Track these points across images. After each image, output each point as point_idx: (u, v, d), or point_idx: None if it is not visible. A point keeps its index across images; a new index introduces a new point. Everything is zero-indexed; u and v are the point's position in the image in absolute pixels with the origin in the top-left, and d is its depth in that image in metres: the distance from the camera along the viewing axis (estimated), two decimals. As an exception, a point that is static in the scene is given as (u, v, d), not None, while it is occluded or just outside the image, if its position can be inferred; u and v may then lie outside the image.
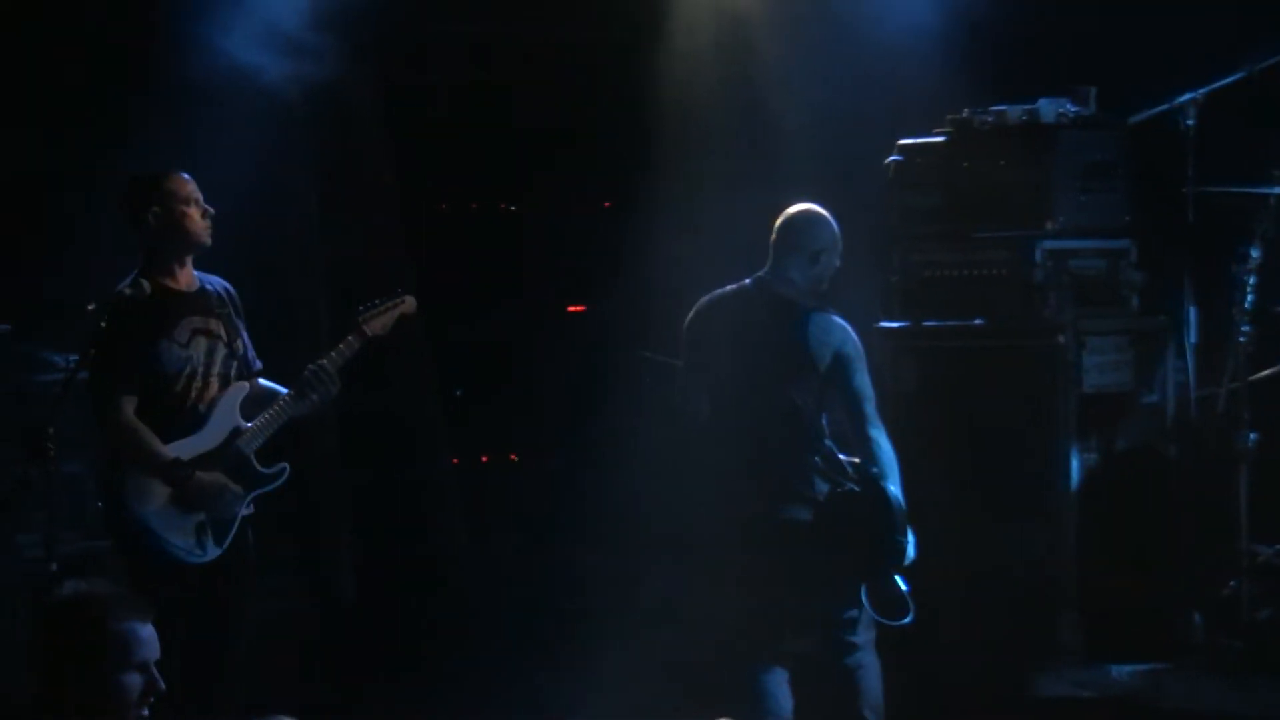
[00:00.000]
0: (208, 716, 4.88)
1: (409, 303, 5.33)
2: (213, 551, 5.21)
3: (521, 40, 8.65)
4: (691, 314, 5.77)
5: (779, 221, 5.64)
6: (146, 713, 3.46)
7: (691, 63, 7.96)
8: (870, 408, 5.48)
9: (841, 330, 5.50)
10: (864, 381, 5.55)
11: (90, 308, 5.35)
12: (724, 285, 5.76)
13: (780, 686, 5.60)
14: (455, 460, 8.51)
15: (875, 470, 5.38)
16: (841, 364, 5.49)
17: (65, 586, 3.53)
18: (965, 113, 6.80)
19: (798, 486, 5.39)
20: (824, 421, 5.42)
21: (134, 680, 3.39)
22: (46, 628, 3.43)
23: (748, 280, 5.66)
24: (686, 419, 5.78)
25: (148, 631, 3.42)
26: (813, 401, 5.48)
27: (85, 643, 3.36)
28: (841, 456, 5.47)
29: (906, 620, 5.49)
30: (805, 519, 5.42)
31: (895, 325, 6.88)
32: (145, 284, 5.03)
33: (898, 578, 5.48)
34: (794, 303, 5.47)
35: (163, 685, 3.38)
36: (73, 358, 6.16)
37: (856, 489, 5.41)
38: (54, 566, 5.39)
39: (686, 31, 8.03)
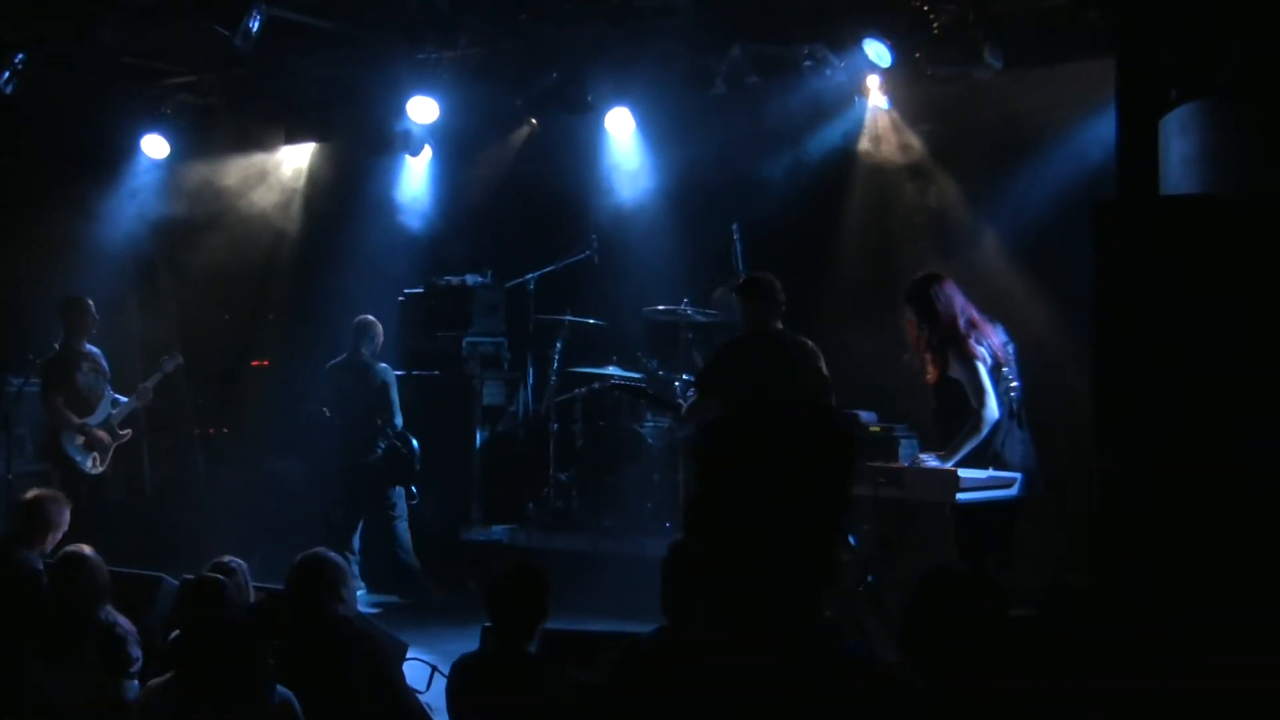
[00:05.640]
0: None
1: (179, 359, 10.37)
2: (98, 469, 9.82)
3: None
4: (328, 367, 10.33)
5: (355, 324, 10.34)
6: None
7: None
8: (395, 408, 10.27)
9: (388, 373, 10.28)
10: (394, 396, 10.29)
11: (31, 357, 9.93)
12: (338, 356, 10.30)
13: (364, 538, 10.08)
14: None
15: (401, 434, 10.30)
16: (385, 388, 10.31)
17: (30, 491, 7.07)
18: (432, 279, 11.20)
19: (371, 441, 10.22)
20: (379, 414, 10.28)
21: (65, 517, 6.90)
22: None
23: (345, 354, 10.37)
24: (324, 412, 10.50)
25: (65, 512, 6.80)
26: (376, 403, 10.32)
27: (42, 511, 6.74)
28: (389, 429, 10.27)
29: (415, 503, 10.32)
30: (377, 457, 10.30)
31: (400, 373, 10.53)
32: (60, 346, 9.72)
33: (414, 486, 10.36)
34: (368, 361, 10.27)
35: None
36: (29, 379, 10.18)
37: (398, 443, 10.28)
38: (10, 477, 9.82)
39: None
